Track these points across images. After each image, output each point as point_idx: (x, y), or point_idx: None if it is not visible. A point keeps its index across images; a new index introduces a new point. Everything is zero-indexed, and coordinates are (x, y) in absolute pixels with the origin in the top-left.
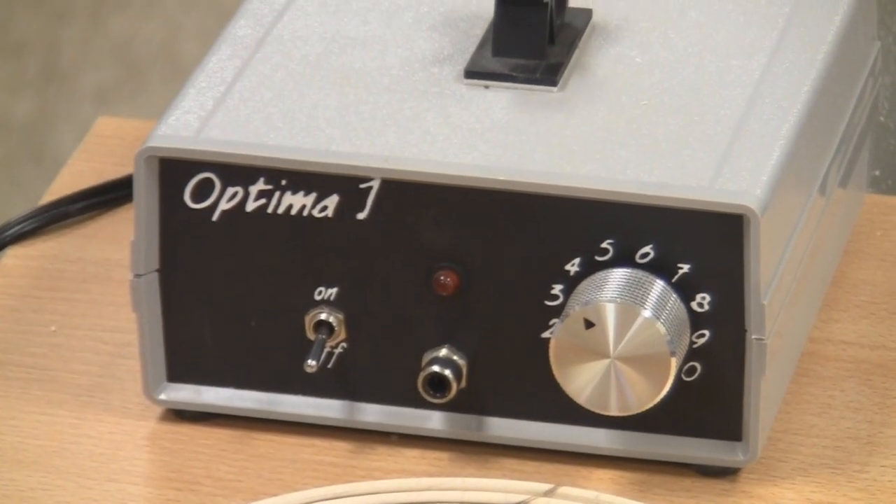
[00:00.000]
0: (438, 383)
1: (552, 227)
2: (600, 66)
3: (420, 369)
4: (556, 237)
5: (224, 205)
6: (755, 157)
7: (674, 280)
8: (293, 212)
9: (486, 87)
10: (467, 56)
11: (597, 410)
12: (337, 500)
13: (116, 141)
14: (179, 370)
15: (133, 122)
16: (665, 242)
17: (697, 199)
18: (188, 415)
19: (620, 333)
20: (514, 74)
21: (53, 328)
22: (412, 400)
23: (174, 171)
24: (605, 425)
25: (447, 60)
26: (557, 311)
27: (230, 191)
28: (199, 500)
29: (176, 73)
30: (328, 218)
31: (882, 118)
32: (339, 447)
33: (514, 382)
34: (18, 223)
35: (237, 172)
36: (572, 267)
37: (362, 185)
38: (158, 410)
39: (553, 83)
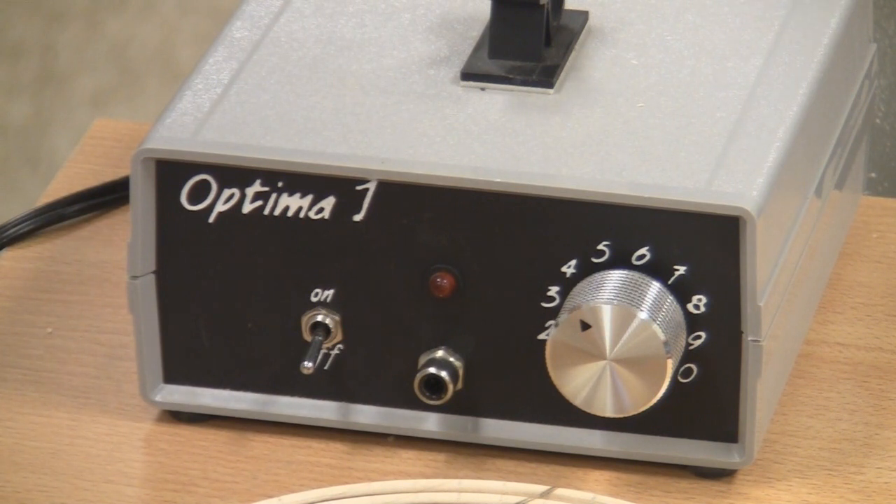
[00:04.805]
0: (435, 385)
1: (548, 228)
2: (596, 68)
3: (416, 371)
4: (553, 239)
5: (220, 206)
6: (751, 159)
7: (670, 282)
8: (290, 213)
9: (483, 89)
10: (464, 58)
11: (593, 412)
12: (333, 502)
13: (113, 143)
14: (176, 372)
15: (129, 124)
16: (661, 244)
17: (694, 201)
18: (184, 416)
19: (617, 335)
20: (511, 76)
21: (50, 330)
22: (408, 401)
23: (171, 172)
24: (601, 427)
25: (444, 62)
26: (554, 313)
27: (227, 192)
28: (195, 501)
29: (172, 76)
30: (325, 220)
31: (878, 120)
32: (335, 449)
33: (510, 384)
34: (15, 225)
35: (234, 174)
36: (568, 269)
37: (359, 187)
38: (155, 412)
39: (549, 85)
